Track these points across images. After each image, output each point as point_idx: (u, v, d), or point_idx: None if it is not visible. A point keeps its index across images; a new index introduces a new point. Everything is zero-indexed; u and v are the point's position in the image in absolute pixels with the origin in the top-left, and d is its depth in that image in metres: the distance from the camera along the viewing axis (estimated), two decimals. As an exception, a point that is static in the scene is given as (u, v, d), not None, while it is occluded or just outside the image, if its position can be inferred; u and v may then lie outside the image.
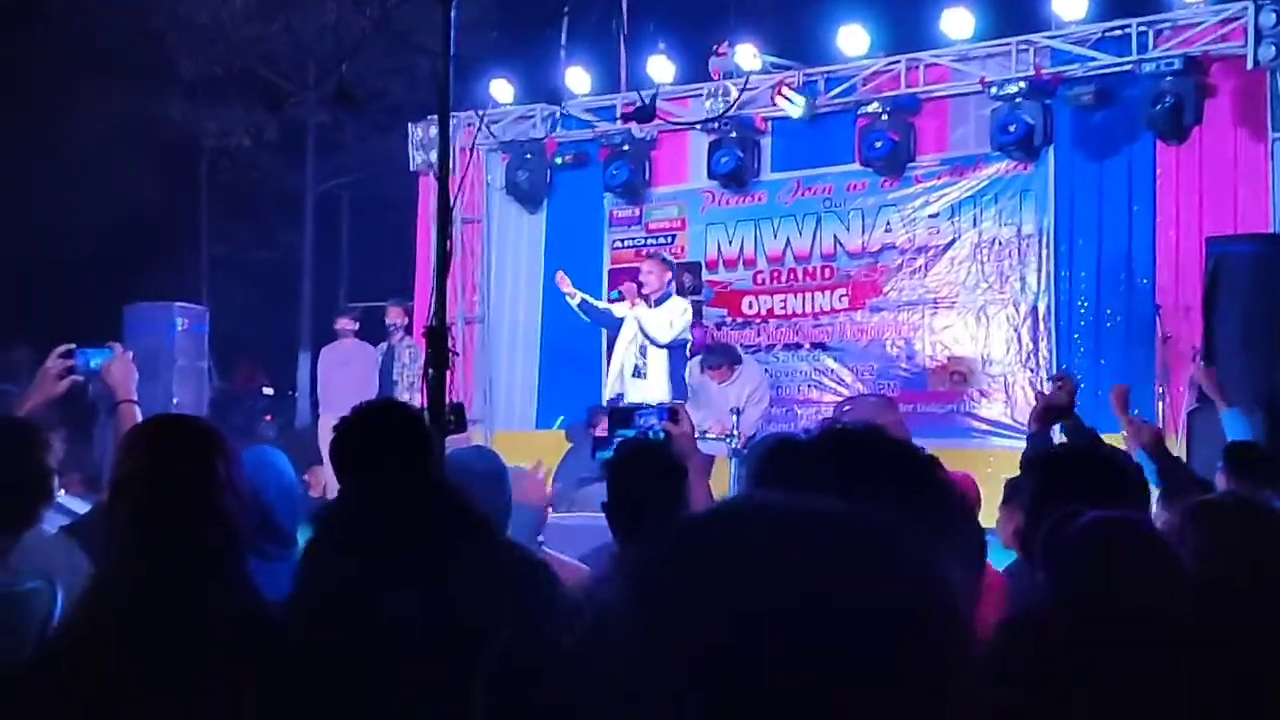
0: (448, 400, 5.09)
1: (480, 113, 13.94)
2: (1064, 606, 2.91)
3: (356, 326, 15.18)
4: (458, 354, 5.65)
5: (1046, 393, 6.85)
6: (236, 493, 2.99)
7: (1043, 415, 6.24)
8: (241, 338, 23.98)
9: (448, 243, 5.51)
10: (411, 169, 16.09)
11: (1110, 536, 2.92)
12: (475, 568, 1.87)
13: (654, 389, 12.19)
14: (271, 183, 25.33)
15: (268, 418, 23.74)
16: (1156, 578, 2.88)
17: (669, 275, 12.78)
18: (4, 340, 18.87)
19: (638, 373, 12.45)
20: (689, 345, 12.71)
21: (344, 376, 14.41)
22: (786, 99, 13.62)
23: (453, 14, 5.76)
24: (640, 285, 12.67)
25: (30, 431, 3.75)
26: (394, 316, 14.94)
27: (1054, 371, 12.44)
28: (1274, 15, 11.46)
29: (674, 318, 12.41)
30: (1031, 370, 13.00)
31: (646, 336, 12.41)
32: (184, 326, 15.13)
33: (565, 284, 13.01)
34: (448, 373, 5.21)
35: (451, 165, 5.83)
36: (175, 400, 14.07)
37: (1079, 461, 3.99)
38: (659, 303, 12.51)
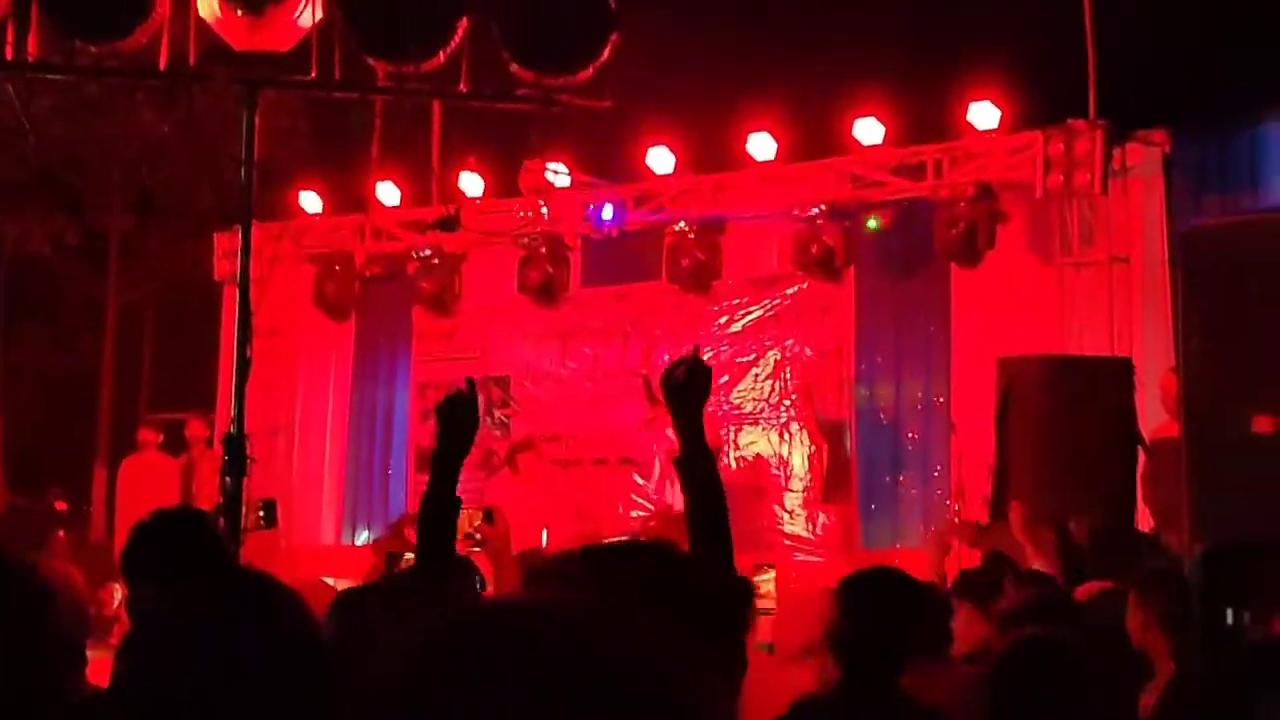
0: (255, 499, 5.05)
1: (288, 223, 13.85)
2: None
3: (160, 439, 14.83)
4: (254, 459, 5.59)
5: None
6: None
7: None
8: (35, 448, 23.20)
9: (248, 351, 5.47)
10: (217, 278, 15.86)
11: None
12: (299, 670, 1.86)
13: None
14: (72, 289, 24.70)
15: (60, 533, 22.93)
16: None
17: None
18: None
19: None
20: None
21: (147, 489, 14.06)
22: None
23: (256, 120, 5.76)
24: None
25: None
26: (195, 429, 14.66)
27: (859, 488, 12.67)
28: (1062, 145, 11.95)
29: None
30: (833, 485, 13.19)
31: None
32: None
33: None
34: (246, 480, 5.15)
35: (253, 274, 5.80)
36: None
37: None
38: None
